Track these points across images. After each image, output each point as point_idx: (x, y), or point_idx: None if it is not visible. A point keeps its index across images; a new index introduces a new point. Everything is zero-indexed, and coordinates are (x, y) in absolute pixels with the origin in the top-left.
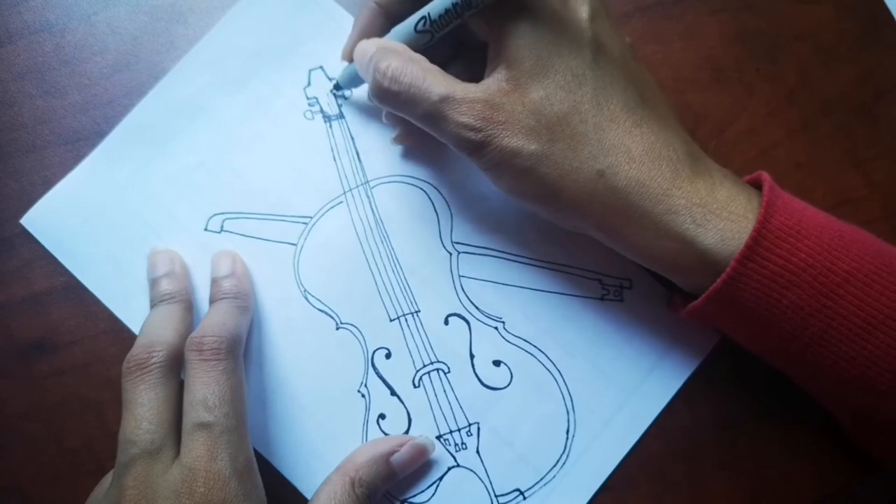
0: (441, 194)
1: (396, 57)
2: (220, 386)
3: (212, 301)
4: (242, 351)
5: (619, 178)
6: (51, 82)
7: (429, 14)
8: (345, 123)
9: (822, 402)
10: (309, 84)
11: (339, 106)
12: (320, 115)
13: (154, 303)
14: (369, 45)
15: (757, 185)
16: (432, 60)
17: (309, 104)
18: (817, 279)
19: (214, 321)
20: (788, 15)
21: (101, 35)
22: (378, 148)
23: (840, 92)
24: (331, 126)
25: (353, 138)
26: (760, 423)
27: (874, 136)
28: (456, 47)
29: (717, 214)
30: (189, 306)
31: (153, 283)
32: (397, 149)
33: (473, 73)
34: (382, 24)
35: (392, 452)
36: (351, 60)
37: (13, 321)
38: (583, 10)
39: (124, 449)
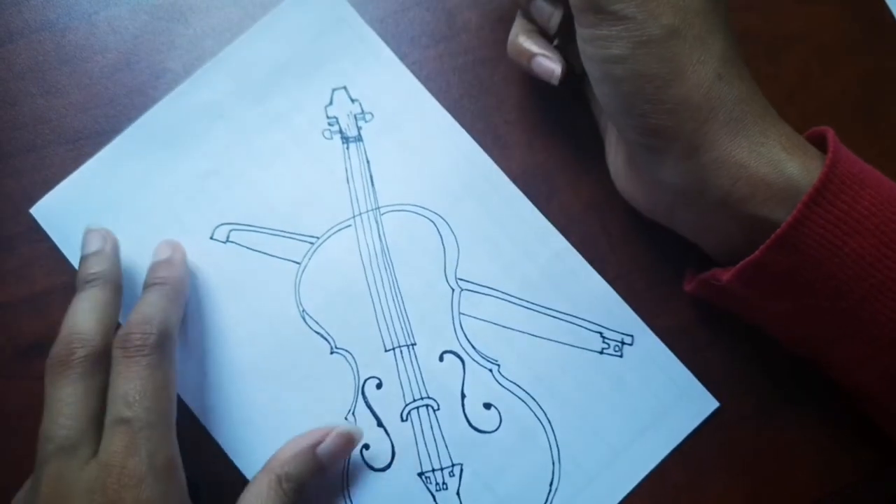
0: (451, 228)
1: None
2: (143, 381)
3: (144, 286)
4: (174, 344)
5: (733, 87)
6: (51, 81)
7: None
8: (362, 146)
9: (857, 377)
10: (331, 103)
11: (359, 129)
12: (339, 136)
13: (79, 285)
14: None
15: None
16: None
17: (329, 123)
18: (879, 228)
19: (142, 315)
20: (789, 15)
21: (102, 34)
22: (392, 175)
23: (841, 92)
24: (348, 148)
25: (368, 162)
26: (760, 422)
27: (875, 135)
28: None
29: (799, 147)
30: (116, 287)
31: (81, 261)
32: (411, 177)
33: None
34: None
35: (317, 444)
36: None
37: (14, 321)
38: None
39: (42, 446)
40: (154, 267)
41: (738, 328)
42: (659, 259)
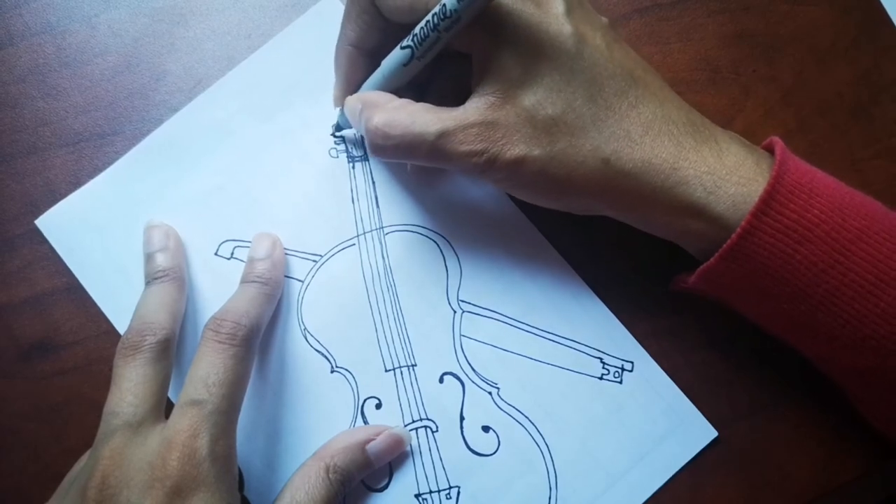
0: (454, 250)
1: (381, 111)
2: (225, 369)
3: (242, 280)
4: (258, 343)
5: (625, 162)
6: (52, 84)
7: (412, 33)
8: (367, 166)
9: (828, 369)
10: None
11: (365, 148)
12: (345, 155)
13: (148, 279)
14: (355, 103)
15: (769, 152)
16: (414, 82)
17: (335, 142)
18: (830, 235)
19: (240, 307)
20: (785, 16)
21: (103, 37)
22: (397, 195)
23: (836, 92)
24: (353, 167)
25: (373, 182)
26: (758, 420)
27: (870, 136)
28: (435, 62)
29: (728, 180)
30: (182, 284)
31: (148, 257)
32: (415, 198)
33: (458, 84)
34: (363, 62)
35: (368, 441)
36: (342, 106)
37: (15, 321)
38: (558, 7)
39: (107, 421)
40: (255, 263)
41: (733, 327)
42: (652, 266)
